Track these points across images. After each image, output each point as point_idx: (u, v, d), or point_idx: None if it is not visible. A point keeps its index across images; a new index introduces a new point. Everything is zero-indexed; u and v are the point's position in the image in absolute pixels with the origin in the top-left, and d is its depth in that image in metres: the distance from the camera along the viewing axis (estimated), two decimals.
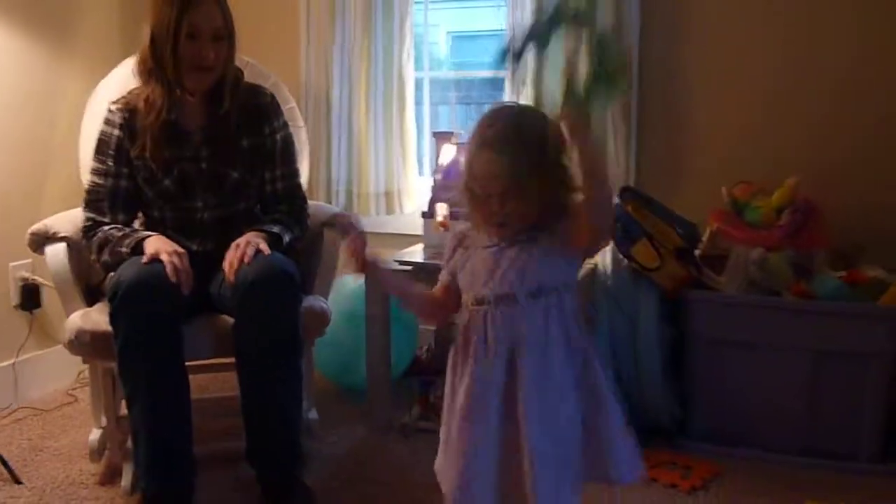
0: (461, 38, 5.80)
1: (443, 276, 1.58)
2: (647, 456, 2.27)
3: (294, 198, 2.35)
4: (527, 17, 2.76)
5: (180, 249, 2.05)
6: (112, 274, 2.06)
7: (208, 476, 2.15)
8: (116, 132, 2.19)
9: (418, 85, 3.16)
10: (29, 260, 2.76)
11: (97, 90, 2.60)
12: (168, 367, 1.99)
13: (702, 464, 2.29)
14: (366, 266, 1.56)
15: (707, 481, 2.21)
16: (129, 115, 2.18)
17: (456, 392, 1.52)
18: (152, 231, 2.18)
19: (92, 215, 2.19)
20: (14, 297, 2.80)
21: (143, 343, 1.95)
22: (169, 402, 1.99)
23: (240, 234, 2.14)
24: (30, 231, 2.24)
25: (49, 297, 2.80)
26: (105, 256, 2.13)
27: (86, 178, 2.31)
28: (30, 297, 2.82)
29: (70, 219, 2.31)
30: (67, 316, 2.17)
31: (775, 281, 2.35)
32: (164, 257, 1.99)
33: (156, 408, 1.97)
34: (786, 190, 2.42)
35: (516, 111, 1.53)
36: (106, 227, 2.16)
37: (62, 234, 2.23)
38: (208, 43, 2.10)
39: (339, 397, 2.80)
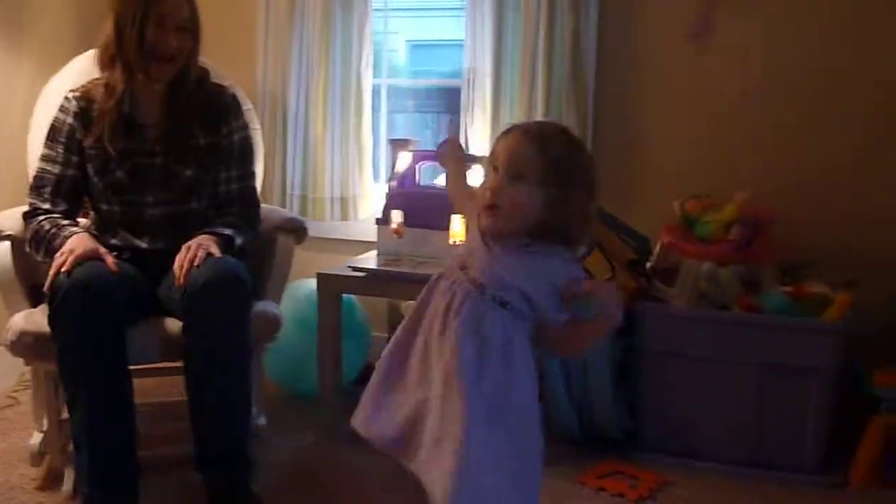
0: (419, 47, 5.81)
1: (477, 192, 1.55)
2: (596, 465, 2.33)
3: (248, 200, 2.32)
4: (486, 26, 2.78)
5: (101, 249, 2.02)
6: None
7: (154, 482, 2.11)
8: (70, 120, 2.16)
9: (376, 92, 3.15)
10: None
11: (48, 86, 2.54)
12: (110, 372, 1.94)
13: (650, 474, 2.32)
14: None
15: (654, 491, 2.24)
16: (85, 104, 2.17)
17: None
18: (102, 227, 2.18)
19: (33, 201, 2.16)
20: None
21: (84, 347, 1.90)
22: (112, 409, 1.94)
23: (190, 235, 2.11)
24: None
25: None
26: (39, 254, 2.11)
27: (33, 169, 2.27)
28: None
29: (15, 216, 2.25)
30: (10, 316, 2.11)
31: (724, 295, 2.39)
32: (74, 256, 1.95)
33: (98, 413, 1.92)
34: (735, 205, 2.46)
35: (571, 138, 1.53)
36: (41, 217, 2.12)
37: (7, 233, 2.18)
38: (172, 33, 2.10)
39: (289, 403, 2.78)
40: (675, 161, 2.76)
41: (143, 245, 2.17)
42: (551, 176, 1.43)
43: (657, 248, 2.55)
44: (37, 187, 2.17)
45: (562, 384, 2.38)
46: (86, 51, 2.59)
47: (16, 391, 2.84)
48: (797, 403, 2.30)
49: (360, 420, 1.57)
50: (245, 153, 2.32)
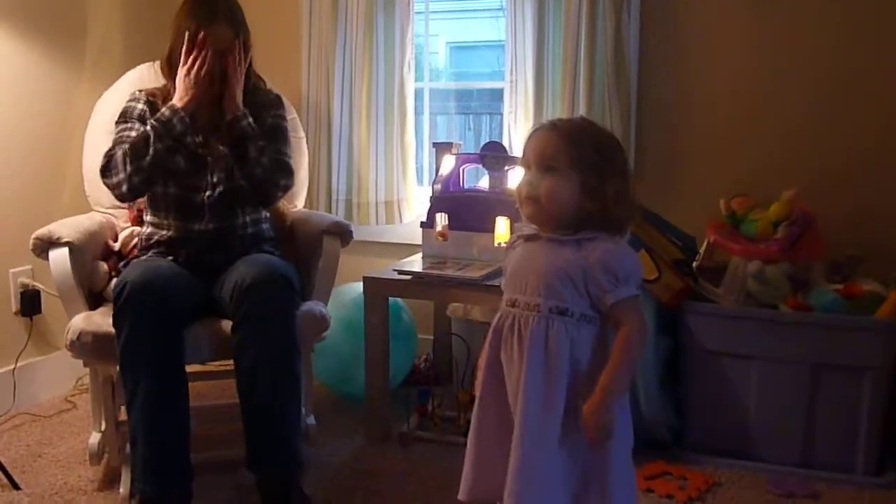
0: (460, 49, 5.83)
1: (502, 284, 1.63)
2: (644, 467, 2.32)
3: (279, 163, 2.30)
4: (527, 27, 2.79)
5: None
6: (115, 277, 2.11)
7: (207, 482, 2.16)
8: (140, 105, 2.30)
9: (418, 95, 3.17)
10: (29, 266, 2.77)
11: (103, 99, 2.62)
12: (168, 370, 2.01)
13: (698, 475, 2.30)
14: None
15: (703, 492, 2.22)
16: (152, 99, 2.30)
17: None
18: (155, 211, 2.30)
19: (111, 152, 2.22)
20: (14, 304, 2.81)
21: (146, 344, 1.97)
22: (168, 405, 2.00)
23: (239, 217, 2.27)
24: (34, 236, 2.24)
25: (49, 304, 2.81)
26: (139, 156, 2.15)
27: (91, 190, 2.37)
28: (30, 303, 2.82)
29: (73, 225, 2.32)
30: (70, 320, 2.17)
31: (772, 293, 2.36)
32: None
33: (155, 410, 1.98)
34: (783, 203, 2.44)
35: (597, 127, 1.58)
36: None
37: (66, 240, 2.23)
38: (215, 58, 2.21)
39: (338, 405, 2.81)
40: (720, 160, 2.74)
41: (196, 227, 2.24)
42: (583, 162, 1.48)
43: (703, 247, 2.53)
44: (114, 145, 2.23)
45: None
46: (138, 64, 2.66)
47: (73, 395, 2.91)
48: (849, 403, 2.27)
49: (468, 490, 1.61)
50: (277, 133, 2.35)
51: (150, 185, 2.21)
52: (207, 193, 2.26)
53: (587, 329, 1.51)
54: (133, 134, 2.21)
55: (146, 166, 2.15)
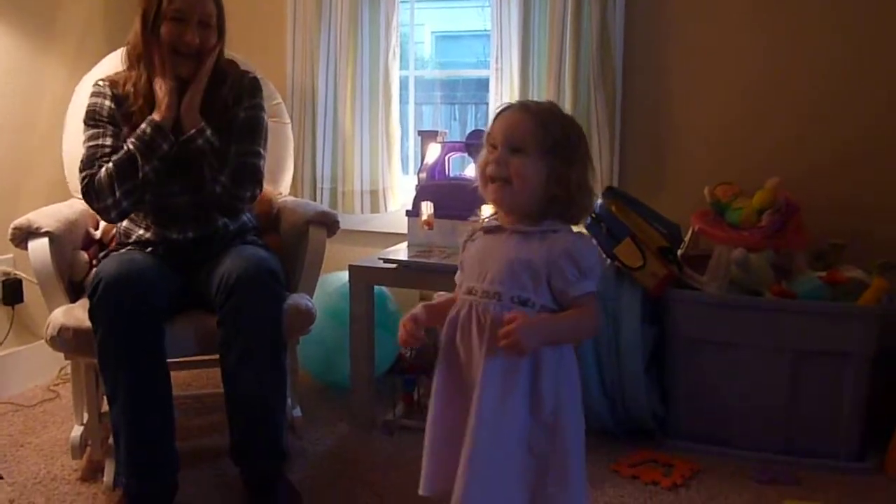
0: (445, 38, 5.81)
1: (457, 277, 1.61)
2: (629, 454, 2.33)
3: (241, 174, 2.18)
4: (512, 17, 2.78)
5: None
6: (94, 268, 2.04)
7: (192, 473, 2.16)
8: (108, 103, 2.17)
9: (403, 84, 3.16)
10: (10, 255, 2.75)
11: (80, 85, 2.59)
12: (149, 364, 1.97)
13: (683, 462, 2.31)
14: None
15: (688, 479, 2.24)
16: (117, 90, 2.18)
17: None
18: (133, 218, 2.22)
19: (89, 172, 2.11)
20: None
21: (123, 339, 1.93)
22: (150, 399, 1.98)
23: (218, 220, 2.20)
24: (12, 225, 2.21)
25: (31, 293, 2.79)
26: (128, 176, 2.07)
27: (70, 176, 2.30)
28: (11, 292, 2.80)
29: (53, 214, 2.30)
30: (50, 311, 2.15)
31: (756, 281, 2.37)
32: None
33: (137, 405, 1.96)
34: (767, 191, 2.44)
35: (564, 113, 1.55)
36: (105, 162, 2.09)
37: (45, 229, 2.21)
38: (194, 28, 2.11)
39: (323, 395, 2.81)
40: (704, 148, 2.75)
41: (174, 236, 2.19)
42: (552, 147, 1.46)
43: (688, 235, 2.54)
44: (91, 159, 2.12)
45: (594, 373, 2.38)
46: (116, 49, 2.63)
47: (56, 385, 2.89)
48: (831, 390, 2.28)
49: (427, 484, 1.57)
50: (251, 127, 2.24)
51: (140, 204, 2.14)
52: (184, 198, 2.18)
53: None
54: (108, 142, 2.12)
55: (135, 189, 2.08)
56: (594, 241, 1.55)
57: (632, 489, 2.19)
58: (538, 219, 1.49)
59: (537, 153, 1.46)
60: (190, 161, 2.14)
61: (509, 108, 1.52)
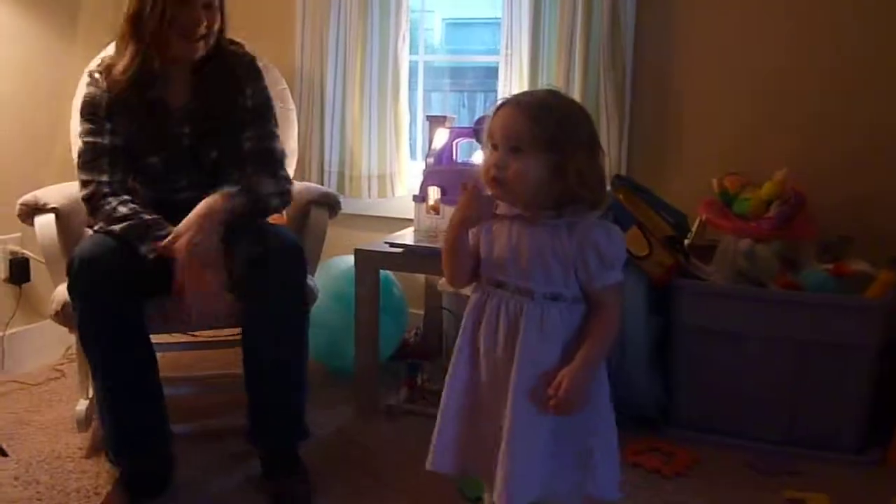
0: (455, 25, 5.79)
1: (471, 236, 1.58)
2: (632, 442, 2.33)
3: (264, 159, 2.17)
4: (524, 3, 2.76)
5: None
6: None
7: (197, 452, 2.17)
8: (103, 93, 2.11)
9: (412, 70, 3.15)
10: (18, 234, 2.75)
11: (90, 66, 2.57)
12: (127, 342, 1.94)
13: (685, 451, 2.31)
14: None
15: (689, 468, 2.24)
16: (112, 76, 2.11)
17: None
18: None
19: (90, 177, 2.08)
20: (2, 271, 2.80)
21: (98, 318, 1.91)
22: (131, 378, 1.96)
23: None
24: (20, 202, 2.22)
25: (38, 272, 2.79)
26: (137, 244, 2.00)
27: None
28: (19, 270, 2.81)
29: (60, 191, 2.30)
30: (56, 287, 2.16)
31: (762, 272, 2.37)
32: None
33: (116, 384, 1.95)
34: (775, 182, 2.43)
35: (562, 99, 1.53)
36: (113, 202, 2.04)
37: (52, 206, 2.21)
38: (200, 10, 2.05)
39: (327, 379, 2.81)
40: (714, 138, 2.73)
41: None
42: (547, 141, 1.44)
43: (695, 225, 2.53)
44: (90, 161, 2.10)
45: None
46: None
47: (61, 364, 2.91)
48: (836, 382, 2.28)
49: (436, 460, 1.61)
50: (260, 113, 2.20)
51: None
52: (189, 194, 2.12)
53: (578, 310, 1.51)
54: (106, 141, 2.08)
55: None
56: (621, 233, 1.54)
57: (634, 477, 2.19)
58: (557, 210, 1.48)
59: (535, 150, 1.44)
60: (196, 156, 2.14)
61: (505, 104, 1.49)
